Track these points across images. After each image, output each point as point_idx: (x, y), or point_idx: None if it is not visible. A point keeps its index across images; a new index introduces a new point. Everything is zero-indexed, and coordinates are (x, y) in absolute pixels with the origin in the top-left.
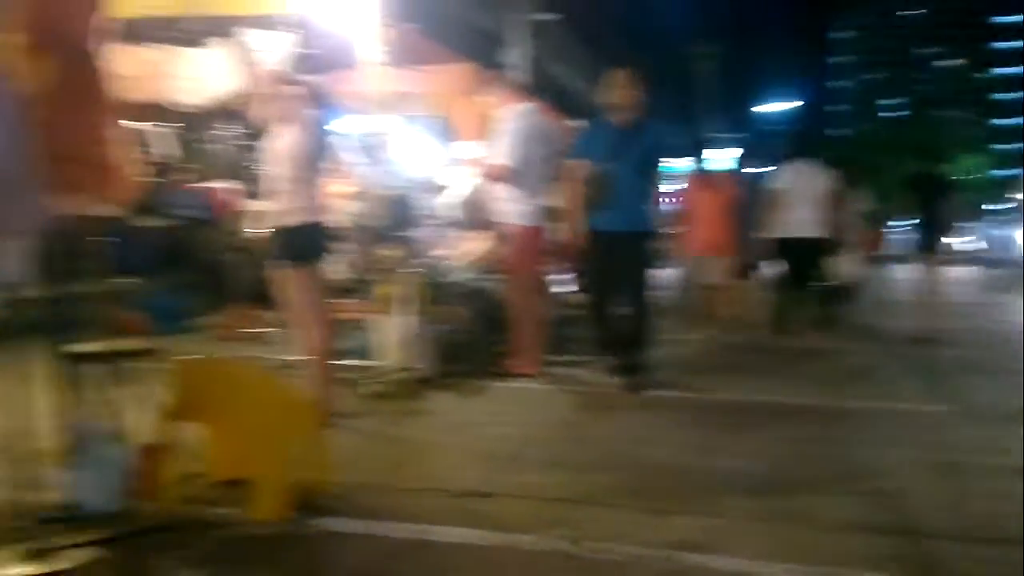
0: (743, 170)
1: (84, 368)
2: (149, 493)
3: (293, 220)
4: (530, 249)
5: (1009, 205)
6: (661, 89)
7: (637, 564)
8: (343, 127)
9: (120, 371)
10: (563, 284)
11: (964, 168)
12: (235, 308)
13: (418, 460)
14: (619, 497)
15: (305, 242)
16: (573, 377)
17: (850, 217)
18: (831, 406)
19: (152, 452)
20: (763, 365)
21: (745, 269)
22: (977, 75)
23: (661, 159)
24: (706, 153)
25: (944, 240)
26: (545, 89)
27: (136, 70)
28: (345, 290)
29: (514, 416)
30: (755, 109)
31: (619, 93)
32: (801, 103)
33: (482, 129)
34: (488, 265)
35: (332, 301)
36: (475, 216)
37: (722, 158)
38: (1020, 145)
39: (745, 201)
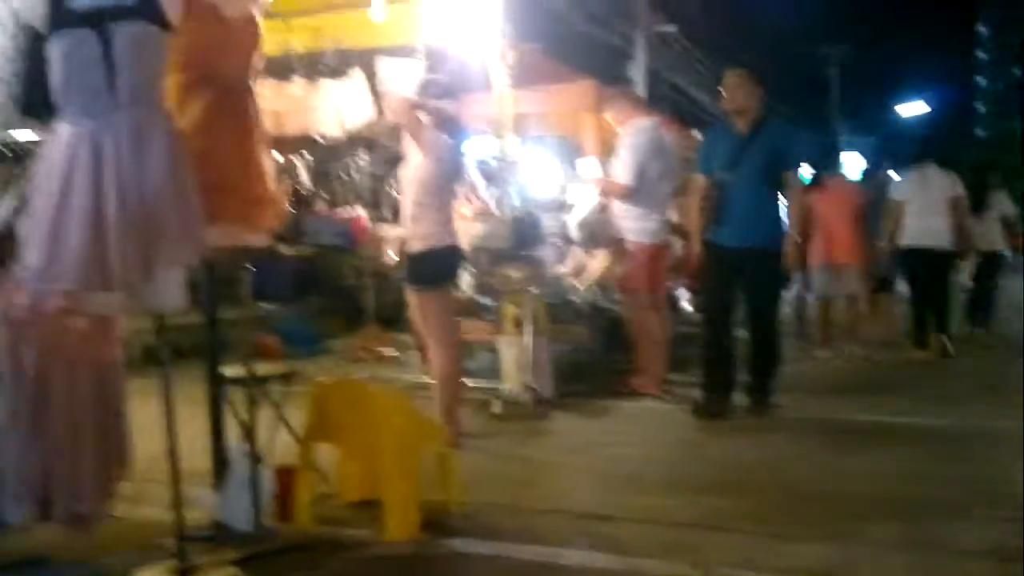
0: (873, 176)
1: (229, 391)
2: (286, 514)
3: (425, 244)
4: (652, 266)
5: None
6: (789, 93)
7: None
8: (470, 150)
9: (262, 394)
10: (687, 301)
11: None
12: (368, 331)
13: (541, 481)
14: (745, 521)
15: (436, 266)
16: (697, 397)
17: (987, 223)
18: (967, 425)
19: (289, 473)
20: (894, 382)
21: (874, 281)
22: None
23: (793, 166)
24: (835, 159)
25: None
26: (668, 101)
27: (281, 104)
28: (473, 311)
29: (636, 436)
30: (892, 110)
31: (734, 96)
32: (940, 103)
33: (605, 146)
34: (610, 283)
35: (461, 322)
36: (597, 234)
37: (852, 164)
38: None
39: (874, 209)
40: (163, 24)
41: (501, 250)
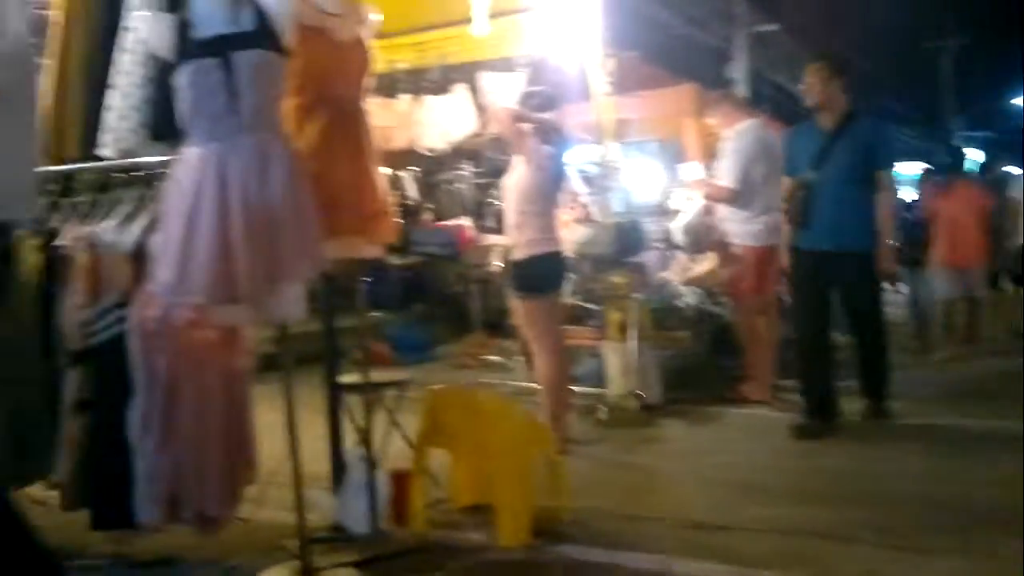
0: (990, 172)
1: (346, 397)
2: (401, 517)
3: (529, 252)
4: (759, 270)
5: None
6: (899, 90)
7: None
8: (573, 158)
9: (377, 400)
10: None
11: None
12: (473, 338)
13: (651, 488)
14: (868, 532)
15: (540, 273)
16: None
17: None
18: None
19: (404, 478)
20: (1017, 387)
21: (997, 282)
22: None
23: (885, 165)
24: (959, 159)
25: None
26: (771, 101)
27: (388, 120)
28: (578, 317)
29: (746, 444)
30: (1008, 103)
31: (814, 89)
32: None
33: (708, 150)
34: (716, 288)
35: (566, 328)
36: (701, 238)
37: (970, 160)
38: None
39: (994, 207)
40: (280, 50)
41: (604, 256)
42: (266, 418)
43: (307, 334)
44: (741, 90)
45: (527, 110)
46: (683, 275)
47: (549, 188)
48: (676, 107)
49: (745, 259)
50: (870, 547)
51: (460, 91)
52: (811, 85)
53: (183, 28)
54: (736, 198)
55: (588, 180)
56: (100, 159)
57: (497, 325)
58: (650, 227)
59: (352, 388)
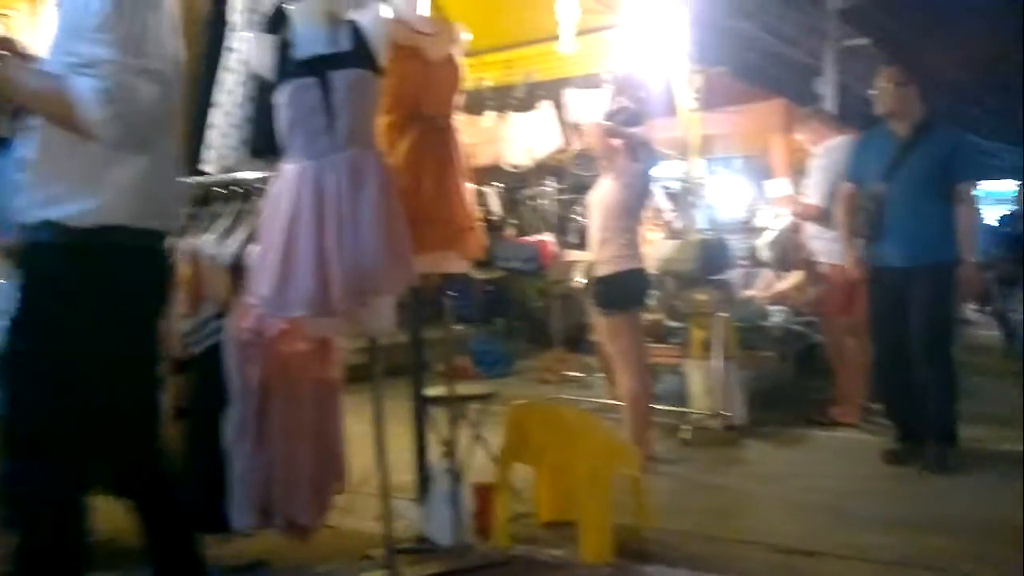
0: None
1: (432, 409)
2: (485, 531)
3: (613, 268)
4: (848, 289)
5: None
6: (994, 103)
7: None
8: (658, 174)
9: (461, 413)
10: None
11: None
12: (554, 353)
13: (735, 510)
14: (966, 562)
15: (624, 289)
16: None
17: None
18: None
19: (487, 492)
20: None
21: None
22: None
23: (966, 178)
24: None
25: None
26: (861, 116)
27: (473, 136)
28: (661, 334)
29: (835, 468)
30: None
31: (885, 97)
32: None
33: (796, 166)
34: (803, 306)
35: (649, 346)
36: (788, 256)
37: None
38: None
39: None
40: (376, 69)
41: (688, 273)
42: (353, 428)
43: (393, 346)
44: (830, 105)
45: (615, 125)
46: (769, 293)
47: (635, 204)
48: (764, 123)
49: (834, 277)
50: None
51: (545, 108)
52: (882, 91)
53: (283, 48)
54: (825, 216)
55: (673, 196)
56: (202, 174)
57: (578, 341)
58: (735, 244)
59: (437, 401)
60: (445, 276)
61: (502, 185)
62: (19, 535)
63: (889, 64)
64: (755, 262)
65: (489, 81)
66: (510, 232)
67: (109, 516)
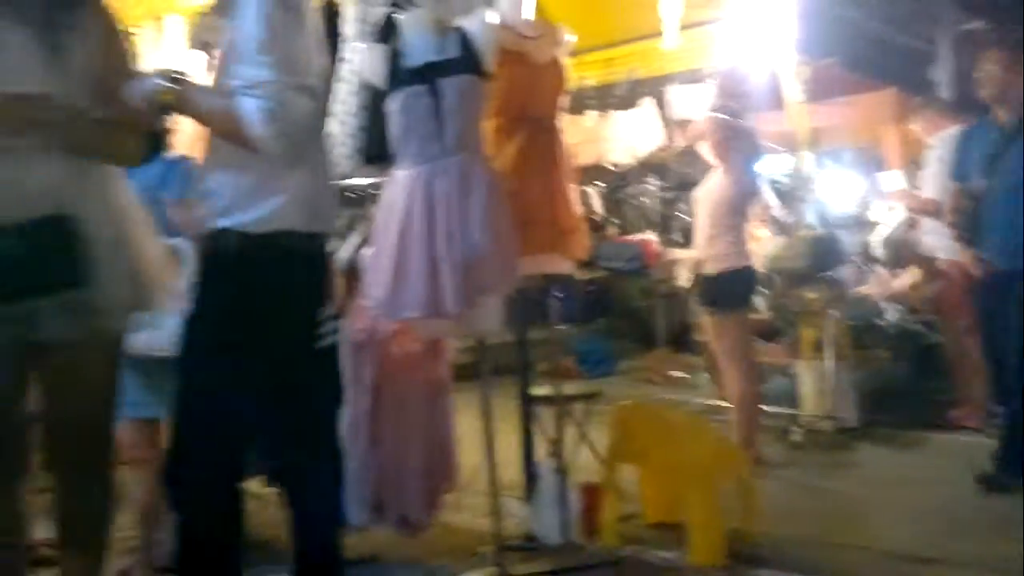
0: None
1: (538, 409)
2: (592, 530)
3: (720, 266)
4: (968, 287)
5: None
6: None
7: None
8: (766, 169)
9: (567, 412)
10: None
11: None
12: (658, 353)
13: (848, 515)
14: None
15: (732, 288)
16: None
17: None
18: None
19: (594, 491)
20: None
21: None
22: None
23: None
24: None
25: None
26: (979, 104)
27: (576, 136)
28: (770, 334)
29: (953, 473)
30: None
31: (993, 81)
32: None
33: (910, 158)
34: (920, 305)
35: (757, 346)
36: (903, 252)
37: None
38: None
39: None
40: (483, 75)
41: (798, 270)
42: (461, 427)
43: (499, 346)
44: (946, 93)
45: (721, 120)
46: (883, 291)
47: (743, 200)
48: (875, 113)
49: (952, 275)
50: None
51: (647, 105)
52: (986, 75)
53: (394, 58)
54: (941, 210)
55: (781, 192)
56: None
57: (682, 341)
58: (847, 240)
59: (543, 400)
60: (549, 276)
61: (604, 184)
62: (182, 518)
63: (1003, 48)
64: (868, 259)
65: (591, 80)
66: (612, 231)
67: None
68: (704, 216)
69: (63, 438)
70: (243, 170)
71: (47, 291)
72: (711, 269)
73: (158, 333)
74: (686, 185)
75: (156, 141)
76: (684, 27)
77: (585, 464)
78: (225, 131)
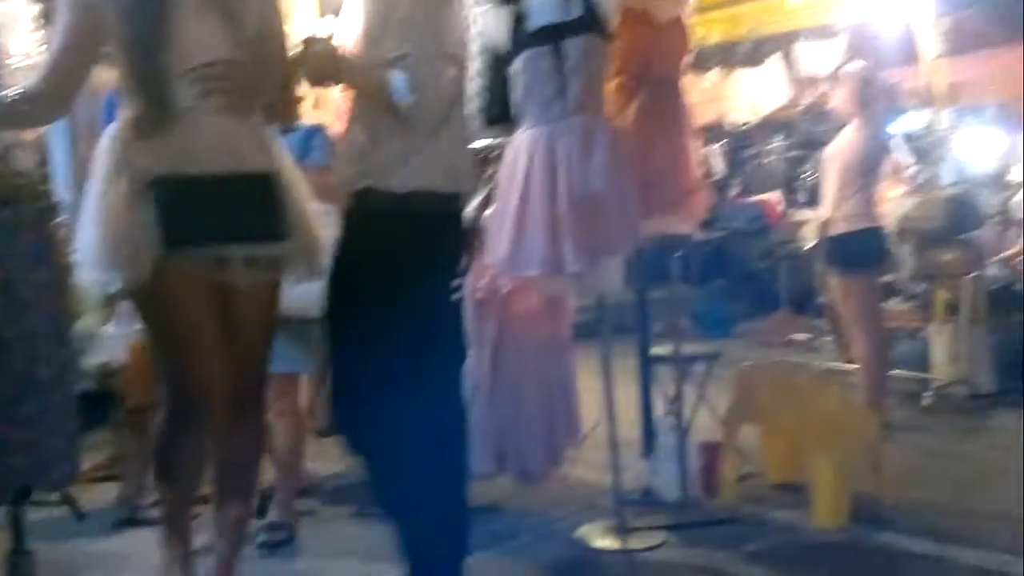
0: None
1: (659, 367)
2: (710, 488)
3: (850, 226)
4: None
5: None
6: None
7: None
8: (899, 126)
9: (687, 372)
10: None
11: None
12: (778, 315)
13: (982, 482)
14: None
15: (861, 249)
16: None
17: None
18: None
19: (713, 450)
20: None
21: None
22: None
23: None
24: None
25: None
26: None
27: (698, 96)
28: (900, 297)
29: None
30: None
31: None
32: None
33: None
34: None
35: (887, 308)
36: None
37: None
38: None
39: None
40: (606, 34)
41: (932, 231)
42: (580, 384)
43: (619, 304)
44: None
45: (851, 76)
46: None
47: (875, 158)
48: (1018, 67)
49: None
50: None
51: (773, 62)
52: None
53: (517, 20)
54: None
55: (915, 149)
56: None
57: (803, 303)
58: (986, 200)
59: (663, 359)
60: (669, 236)
61: (725, 143)
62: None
63: None
64: (1008, 220)
65: (713, 38)
66: (734, 192)
67: None
68: (833, 174)
69: (229, 380)
70: (389, 133)
71: (248, 240)
72: (839, 229)
73: (298, 291)
74: (812, 144)
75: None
76: None
77: (703, 423)
78: (372, 97)
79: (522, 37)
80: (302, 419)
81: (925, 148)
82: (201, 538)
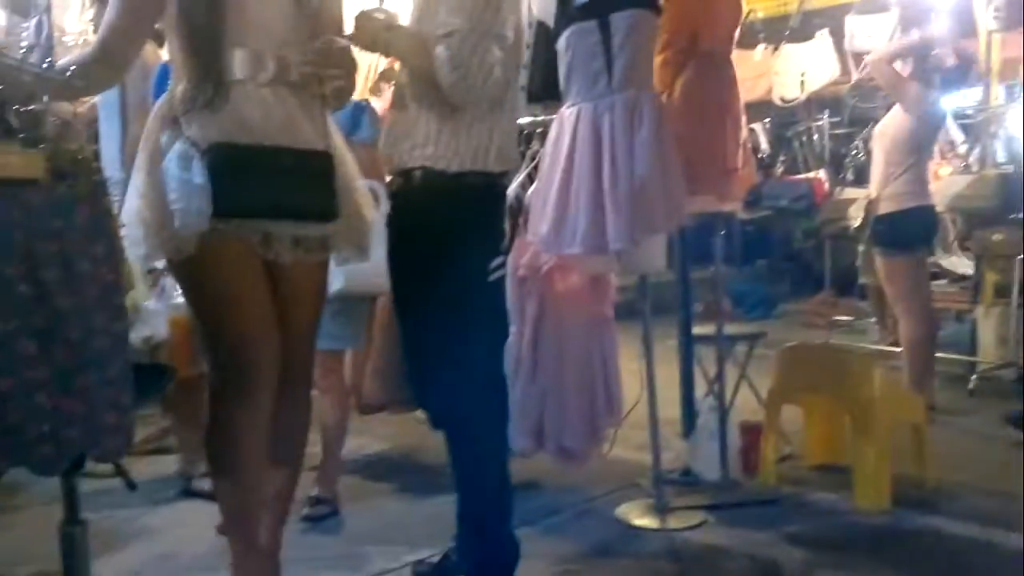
0: None
1: (700, 347)
2: (750, 469)
3: (898, 205)
4: None
5: None
6: None
7: None
8: (951, 102)
9: (729, 352)
10: None
11: None
12: (821, 296)
13: None
14: None
15: (909, 228)
16: None
17: None
18: None
19: (754, 431)
20: None
21: None
22: None
23: None
24: None
25: None
26: None
27: (745, 72)
28: (949, 278)
29: None
30: None
31: None
32: None
33: None
34: None
35: (935, 289)
36: None
37: None
38: None
39: None
40: (653, 8)
41: (983, 210)
42: (621, 363)
43: (660, 284)
44: None
45: (903, 52)
46: None
47: (926, 136)
48: None
49: None
50: None
51: (822, 36)
52: None
53: None
54: None
55: (967, 127)
56: None
57: (848, 284)
58: None
59: (705, 339)
60: (713, 215)
61: (771, 120)
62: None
63: None
64: None
65: (761, 13)
66: (780, 169)
67: None
68: (882, 152)
69: (276, 355)
70: (441, 113)
71: (298, 218)
72: (888, 208)
73: (345, 269)
74: (861, 121)
75: None
76: None
77: (744, 404)
78: (421, 72)
79: (569, 11)
80: (347, 396)
81: (979, 126)
82: None
